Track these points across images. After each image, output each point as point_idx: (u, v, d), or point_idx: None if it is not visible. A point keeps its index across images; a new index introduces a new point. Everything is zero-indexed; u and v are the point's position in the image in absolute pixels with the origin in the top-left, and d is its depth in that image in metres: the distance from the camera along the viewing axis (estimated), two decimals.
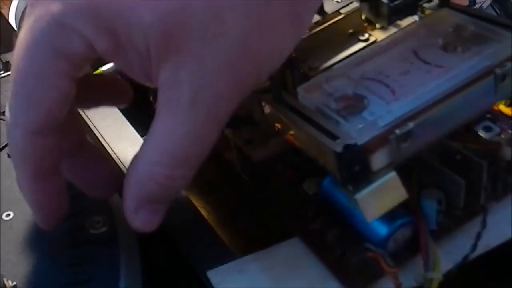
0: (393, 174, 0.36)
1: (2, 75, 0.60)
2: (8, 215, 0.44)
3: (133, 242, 0.44)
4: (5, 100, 0.57)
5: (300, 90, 0.41)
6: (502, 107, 0.41)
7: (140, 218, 0.35)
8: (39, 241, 0.42)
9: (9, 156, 0.47)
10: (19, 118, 0.31)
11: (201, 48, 0.30)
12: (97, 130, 0.55)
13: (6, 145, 0.48)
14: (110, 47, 0.31)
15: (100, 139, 0.54)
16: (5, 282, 0.38)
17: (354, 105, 0.39)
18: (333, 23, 0.46)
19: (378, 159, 0.36)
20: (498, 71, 0.37)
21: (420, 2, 0.46)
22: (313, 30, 0.46)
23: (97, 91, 0.41)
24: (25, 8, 0.78)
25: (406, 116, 0.36)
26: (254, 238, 0.48)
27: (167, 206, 0.37)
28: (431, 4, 0.46)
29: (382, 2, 0.47)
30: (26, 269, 0.40)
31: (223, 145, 0.51)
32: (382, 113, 0.36)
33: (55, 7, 0.29)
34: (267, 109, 0.43)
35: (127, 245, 0.42)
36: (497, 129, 0.40)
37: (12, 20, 0.76)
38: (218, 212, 0.53)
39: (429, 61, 0.41)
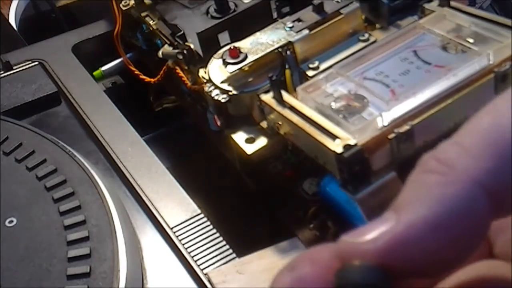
0: (393, 174, 0.36)
1: (2, 75, 0.60)
2: (11, 221, 0.43)
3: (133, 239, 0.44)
4: (5, 100, 0.58)
5: (300, 90, 0.41)
6: None
7: None
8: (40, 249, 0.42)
9: (16, 160, 0.47)
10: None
11: None
12: (97, 130, 0.55)
13: (12, 150, 0.48)
14: None
15: (100, 139, 0.54)
16: None
17: (354, 105, 0.39)
18: (333, 23, 0.46)
19: (378, 159, 0.36)
20: (498, 71, 0.37)
21: (420, 2, 0.46)
22: (313, 30, 0.46)
23: None
24: (25, 8, 0.78)
25: (406, 116, 0.36)
26: (254, 238, 0.48)
27: None
28: (431, 4, 0.46)
29: (382, 2, 0.47)
30: (25, 277, 0.40)
31: (223, 145, 0.51)
32: (382, 113, 0.36)
33: None
34: (267, 109, 0.43)
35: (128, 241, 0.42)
36: None
37: (12, 20, 0.76)
38: (218, 212, 0.53)
39: (429, 61, 0.41)
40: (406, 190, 0.20)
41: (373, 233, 0.20)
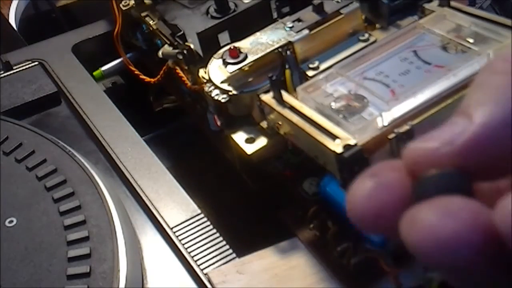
0: None
1: (2, 75, 0.60)
2: (11, 221, 0.43)
3: (133, 239, 0.44)
4: (5, 100, 0.58)
5: (300, 90, 0.41)
6: None
7: None
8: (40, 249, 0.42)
9: (16, 160, 0.47)
10: None
11: None
12: (97, 130, 0.55)
13: (12, 150, 0.48)
14: None
15: (100, 139, 0.54)
16: None
17: (354, 105, 0.39)
18: (333, 23, 0.46)
19: (378, 159, 0.35)
20: None
21: (420, 2, 0.46)
22: (313, 30, 0.46)
23: None
24: (25, 8, 0.78)
25: (406, 116, 0.36)
26: (254, 238, 0.48)
27: None
28: (431, 4, 0.46)
29: (382, 2, 0.47)
30: (25, 277, 0.40)
31: (223, 145, 0.51)
32: (382, 113, 0.36)
33: None
34: (267, 109, 0.43)
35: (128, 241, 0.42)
36: None
37: (12, 20, 0.76)
38: (218, 212, 0.53)
39: (429, 61, 0.41)
40: (473, 92, 0.20)
41: (444, 137, 0.19)
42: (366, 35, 0.47)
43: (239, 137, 0.46)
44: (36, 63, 0.62)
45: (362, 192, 0.20)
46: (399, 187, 0.20)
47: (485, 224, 0.18)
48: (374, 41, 0.46)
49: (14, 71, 0.61)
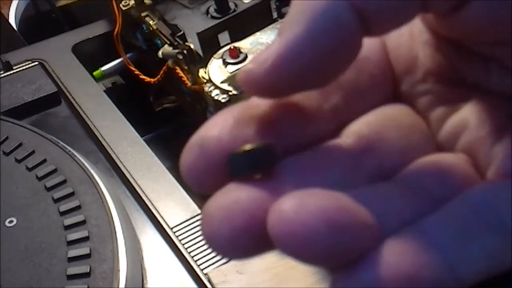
0: None
1: (2, 75, 0.60)
2: (11, 221, 0.43)
3: (133, 239, 0.44)
4: (5, 100, 0.58)
5: None
6: None
7: None
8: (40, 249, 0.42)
9: (16, 160, 0.47)
10: None
11: None
12: (97, 130, 0.55)
13: (12, 150, 0.48)
14: None
15: (100, 139, 0.54)
16: None
17: None
18: None
19: None
20: None
21: None
22: None
23: None
24: (25, 8, 0.78)
25: None
26: None
27: None
28: None
29: None
30: (25, 277, 0.40)
31: None
32: None
33: None
34: None
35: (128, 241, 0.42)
36: None
37: (12, 20, 0.76)
38: None
39: None
40: (288, 13, 0.21)
41: (259, 57, 0.21)
42: None
43: None
44: (36, 63, 0.62)
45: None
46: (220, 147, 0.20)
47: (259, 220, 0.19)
48: None
49: (14, 71, 0.61)
